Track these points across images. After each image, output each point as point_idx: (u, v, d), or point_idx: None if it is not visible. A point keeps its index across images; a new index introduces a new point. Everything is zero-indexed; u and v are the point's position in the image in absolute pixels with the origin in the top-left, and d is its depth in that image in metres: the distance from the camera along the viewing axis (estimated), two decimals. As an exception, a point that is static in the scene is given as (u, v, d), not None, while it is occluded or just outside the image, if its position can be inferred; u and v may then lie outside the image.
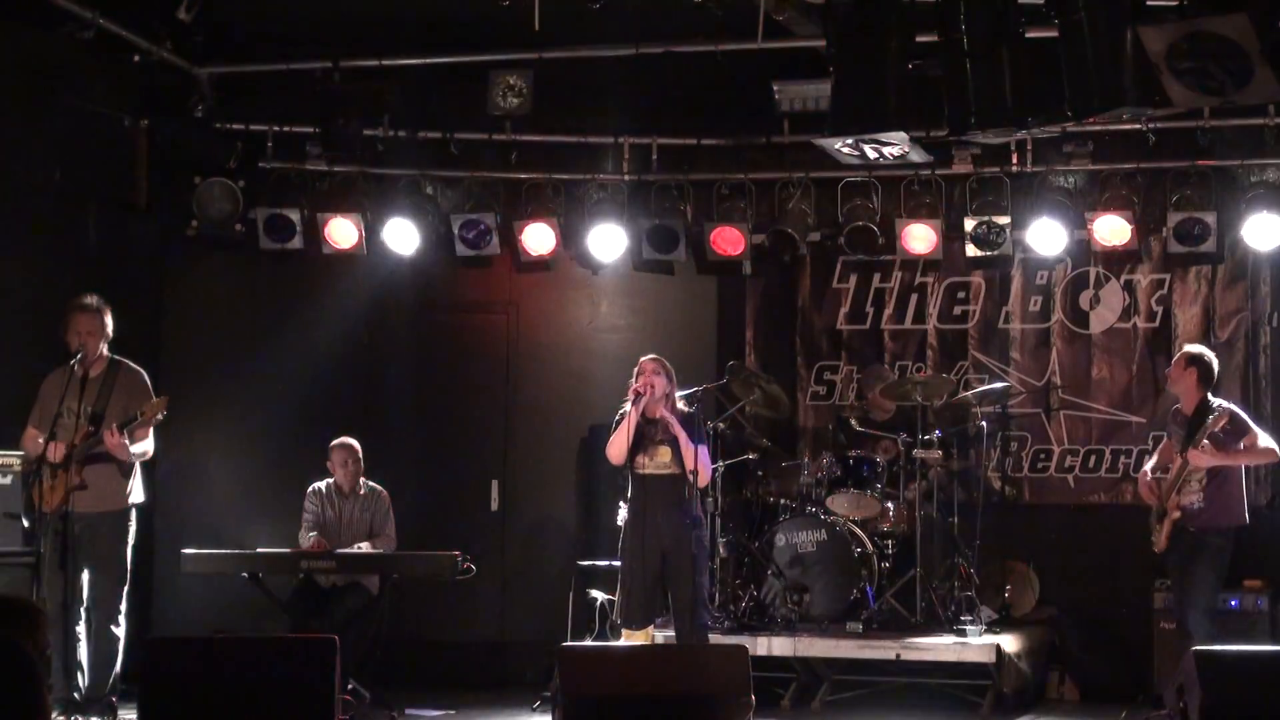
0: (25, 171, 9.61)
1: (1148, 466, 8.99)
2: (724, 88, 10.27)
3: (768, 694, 9.21)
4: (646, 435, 8.60)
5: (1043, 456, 10.67)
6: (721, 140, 10.74)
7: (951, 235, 10.51)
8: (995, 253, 10.41)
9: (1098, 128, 9.50)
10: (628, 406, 8.59)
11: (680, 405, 8.67)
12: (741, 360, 10.84)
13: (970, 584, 9.76)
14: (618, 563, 8.82)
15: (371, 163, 10.69)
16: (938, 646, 9.33)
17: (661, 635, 8.92)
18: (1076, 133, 9.69)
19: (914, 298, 10.91)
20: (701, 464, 8.64)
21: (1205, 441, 8.44)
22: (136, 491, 8.48)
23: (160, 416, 8.31)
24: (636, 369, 8.67)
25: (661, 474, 8.59)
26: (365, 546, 9.48)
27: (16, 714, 4.13)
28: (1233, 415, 8.57)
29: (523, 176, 10.77)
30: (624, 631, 8.61)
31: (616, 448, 8.60)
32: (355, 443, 9.78)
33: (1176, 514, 8.59)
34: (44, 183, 9.76)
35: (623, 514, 9.04)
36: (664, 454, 8.60)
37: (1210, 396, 8.76)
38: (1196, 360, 8.76)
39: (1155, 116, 9.33)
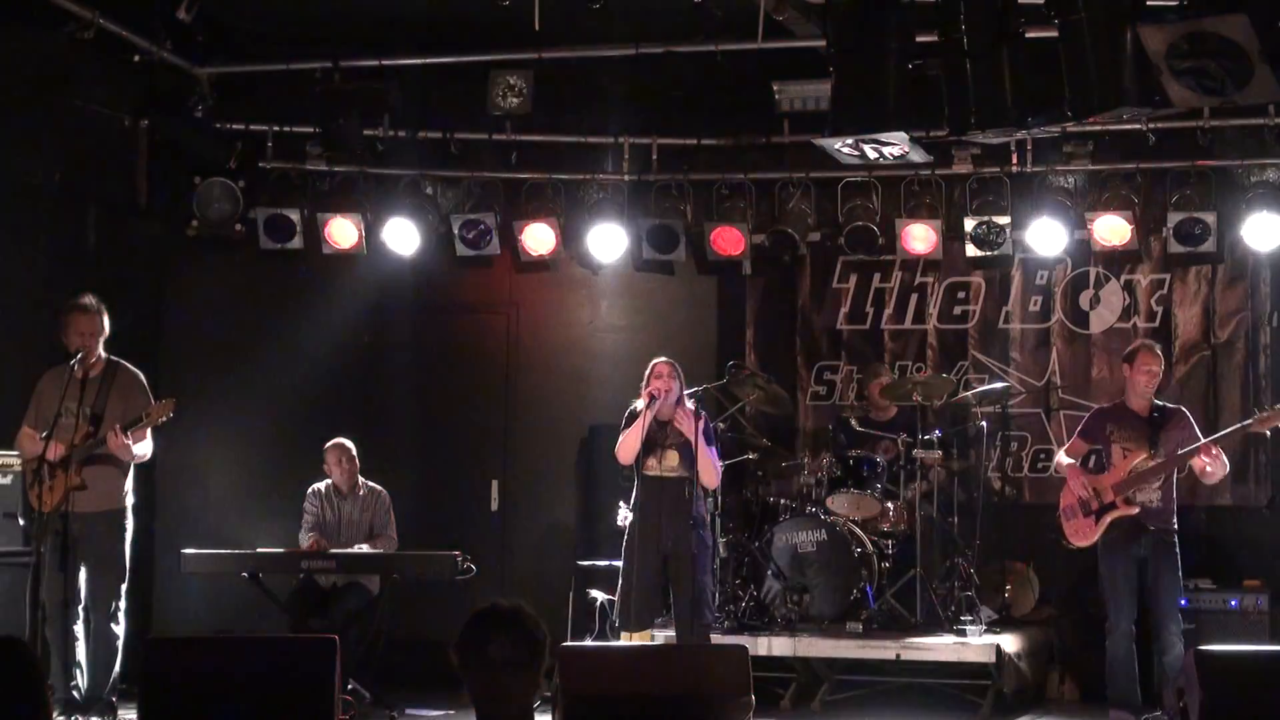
0: (25, 171, 9.61)
1: (1068, 460, 8.90)
2: (724, 88, 10.27)
3: (768, 694, 9.22)
4: (656, 438, 8.58)
5: (1043, 456, 10.67)
6: (721, 140, 10.74)
7: (951, 235, 10.52)
8: (995, 253, 10.42)
9: (1098, 128, 9.49)
10: (639, 405, 8.57)
11: (689, 404, 8.66)
12: (741, 360, 10.84)
13: (970, 584, 9.76)
14: (619, 563, 8.81)
15: (371, 163, 10.68)
16: (938, 646, 9.33)
17: (662, 635, 8.91)
18: (1076, 133, 9.69)
19: (914, 298, 10.91)
20: (714, 469, 8.67)
21: (1219, 439, 8.48)
22: (129, 493, 8.48)
23: (165, 419, 8.31)
24: (650, 370, 8.61)
25: (668, 476, 8.57)
26: (365, 548, 9.47)
27: (19, 713, 4.13)
28: None
29: (523, 176, 10.77)
30: (623, 634, 8.60)
31: (627, 449, 8.58)
32: (349, 443, 9.77)
33: (1133, 509, 8.54)
34: (44, 183, 9.77)
35: (622, 514, 9.03)
36: (672, 457, 8.58)
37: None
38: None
39: (1155, 116, 9.33)
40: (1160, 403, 8.79)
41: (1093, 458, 9.05)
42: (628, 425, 8.64)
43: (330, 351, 11.01)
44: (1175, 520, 8.64)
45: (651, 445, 8.57)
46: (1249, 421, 8.59)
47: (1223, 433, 8.68)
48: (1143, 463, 8.56)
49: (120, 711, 8.30)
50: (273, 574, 9.33)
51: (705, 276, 11.07)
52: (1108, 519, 8.60)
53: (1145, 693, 9.39)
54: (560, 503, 11.09)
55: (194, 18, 9.21)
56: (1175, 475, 8.66)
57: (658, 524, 8.49)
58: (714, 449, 8.76)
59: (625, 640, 8.51)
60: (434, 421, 11.14)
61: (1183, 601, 8.95)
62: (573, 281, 11.24)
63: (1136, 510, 8.54)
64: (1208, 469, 8.47)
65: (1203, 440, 8.49)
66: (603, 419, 10.65)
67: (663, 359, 8.67)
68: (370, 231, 10.67)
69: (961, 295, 10.86)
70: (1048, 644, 10.13)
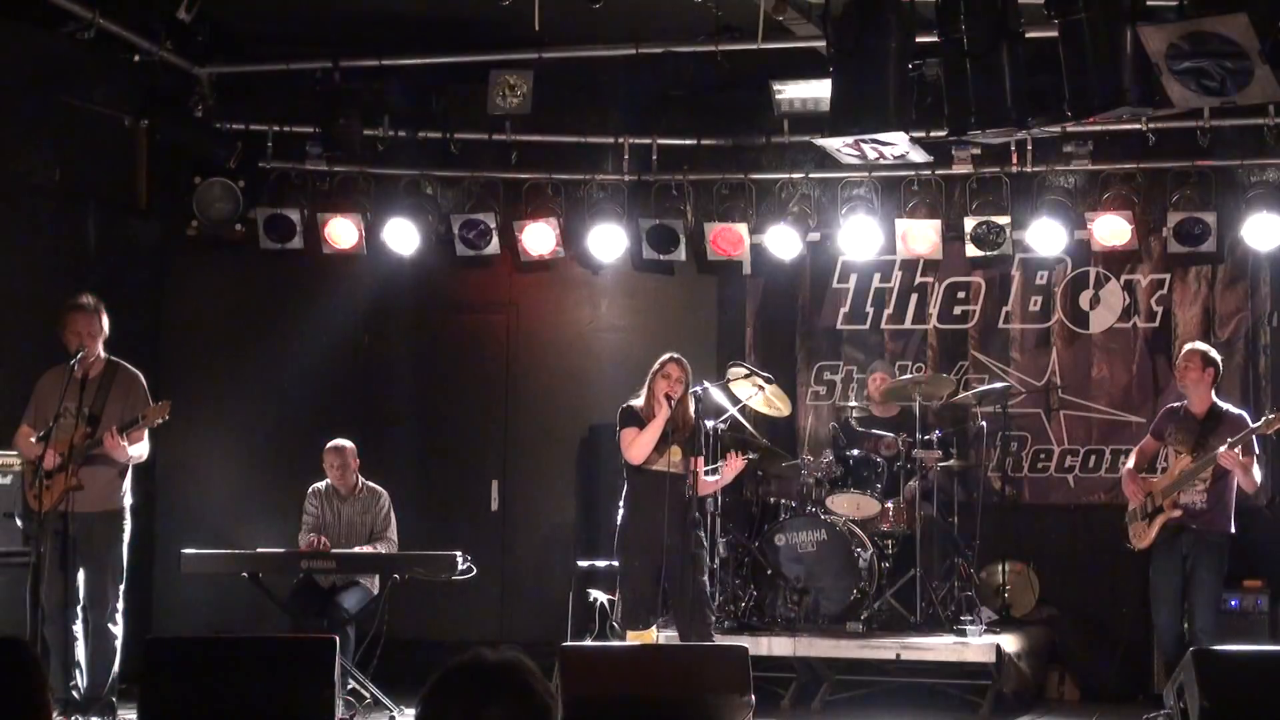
0: (25, 171, 9.61)
1: (1130, 464, 9.04)
2: (724, 88, 10.27)
3: (768, 694, 9.21)
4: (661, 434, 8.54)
5: (1043, 456, 10.67)
6: (721, 140, 10.74)
7: (951, 235, 10.52)
8: (995, 253, 10.42)
9: (1098, 128, 9.50)
10: (635, 403, 8.54)
11: (692, 407, 8.63)
12: (742, 360, 10.83)
13: (970, 584, 9.76)
14: (617, 562, 8.79)
15: (371, 163, 10.69)
16: (938, 646, 9.33)
17: (664, 635, 8.88)
18: (1076, 133, 9.69)
19: (914, 298, 10.91)
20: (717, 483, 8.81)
21: (1232, 445, 8.51)
22: (128, 493, 8.47)
23: (160, 421, 8.30)
24: (659, 369, 8.53)
25: (672, 473, 8.52)
26: (366, 549, 9.46)
27: (19, 712, 4.12)
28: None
29: (523, 176, 10.77)
30: (628, 633, 8.55)
31: (641, 449, 8.49)
32: (349, 444, 9.74)
33: (1176, 513, 8.63)
34: (44, 183, 9.76)
35: (623, 514, 9.01)
36: (675, 453, 8.53)
37: (1217, 400, 8.86)
38: (1214, 362, 8.87)
39: (1155, 116, 9.33)
40: (1223, 406, 8.87)
41: (1156, 457, 9.18)
42: (625, 424, 8.59)
43: (330, 351, 11.02)
44: (1227, 522, 8.69)
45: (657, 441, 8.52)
46: (1257, 425, 8.66)
47: (1236, 437, 8.68)
48: (1185, 465, 8.64)
49: (120, 711, 8.29)
50: (273, 574, 9.32)
51: (705, 276, 11.07)
52: (1158, 522, 8.73)
53: (1145, 692, 9.42)
54: (560, 503, 11.08)
55: (194, 18, 9.21)
56: (1232, 479, 8.68)
57: (657, 519, 8.40)
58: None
59: (631, 639, 8.47)
60: (434, 421, 11.14)
61: (1233, 603, 9.14)
62: (573, 281, 11.23)
63: (1180, 513, 8.64)
64: (1240, 476, 8.59)
65: (1228, 444, 8.55)
66: (603, 419, 10.64)
67: (673, 358, 8.60)
68: (370, 231, 10.67)
69: (961, 295, 10.86)
70: (1048, 644, 10.14)
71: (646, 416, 8.51)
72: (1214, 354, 8.95)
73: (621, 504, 8.71)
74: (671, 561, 8.45)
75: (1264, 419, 8.69)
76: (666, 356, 8.61)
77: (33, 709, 4.13)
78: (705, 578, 8.72)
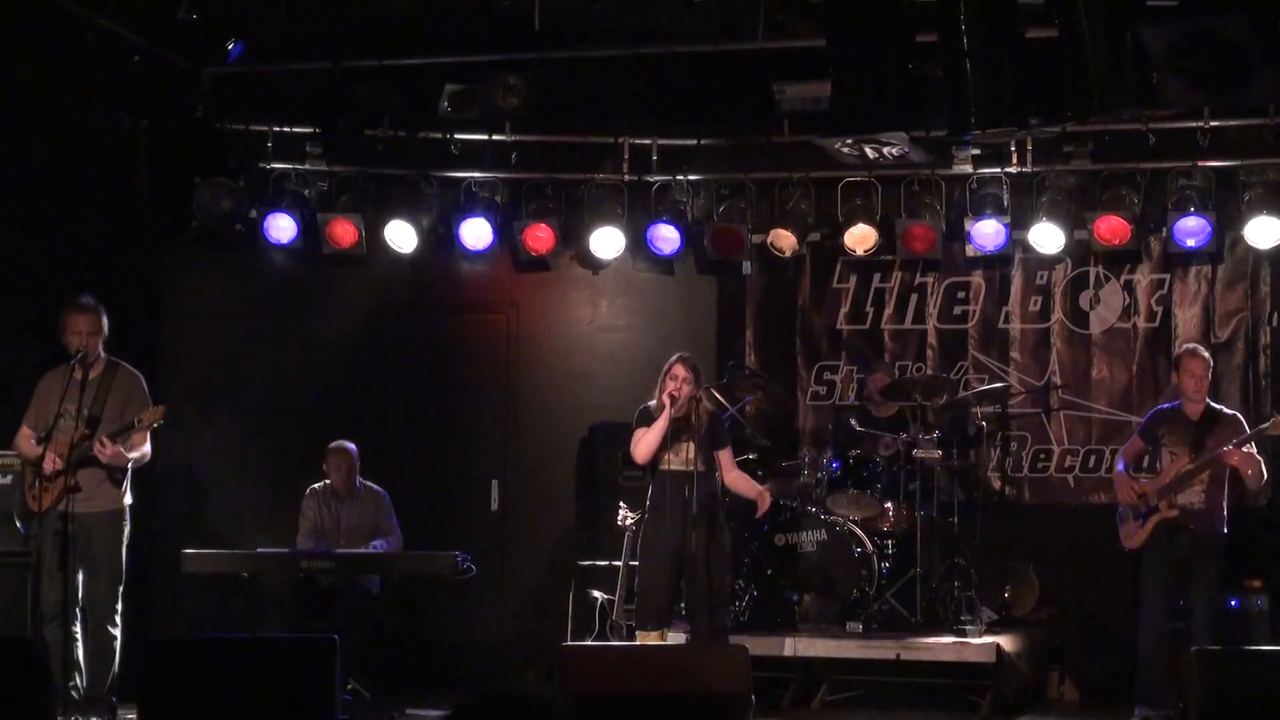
0: (25, 171, 9.60)
1: (1120, 465, 9.03)
2: (724, 88, 10.27)
3: (768, 694, 9.21)
4: (673, 432, 8.50)
5: (1043, 456, 10.67)
6: (721, 140, 10.74)
7: (951, 235, 10.53)
8: (995, 253, 10.44)
9: (1098, 128, 9.51)
10: (651, 404, 8.52)
11: (707, 404, 8.62)
12: (741, 360, 10.84)
13: (970, 584, 9.76)
14: (619, 563, 8.77)
15: (371, 163, 10.69)
16: (938, 646, 9.33)
17: (677, 636, 8.82)
18: (1076, 133, 9.69)
19: (914, 298, 10.91)
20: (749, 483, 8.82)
21: (1239, 444, 8.52)
22: (128, 493, 8.47)
23: (157, 425, 8.30)
24: (667, 370, 8.51)
25: (686, 471, 8.47)
26: (379, 544, 9.44)
27: (24, 712, 4.14)
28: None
29: (523, 176, 10.77)
30: (638, 634, 8.52)
31: (645, 448, 8.45)
32: (351, 445, 9.76)
33: (1173, 512, 8.63)
34: (44, 182, 9.75)
35: (622, 514, 8.98)
36: (689, 451, 8.48)
37: (1210, 400, 8.87)
38: (1210, 363, 8.86)
39: (1155, 116, 9.33)
40: (1217, 407, 8.90)
41: (1144, 459, 9.14)
42: (638, 424, 8.56)
43: (330, 351, 11.02)
44: (1223, 523, 8.71)
45: (668, 439, 8.50)
46: (1265, 425, 8.66)
47: (1244, 436, 8.68)
48: (1183, 466, 8.64)
49: (120, 711, 8.30)
50: (273, 574, 9.31)
51: (705, 276, 11.08)
52: (1152, 521, 8.72)
53: (1129, 690, 9.41)
54: (560, 503, 11.08)
55: (194, 18, 9.20)
56: (1226, 479, 8.70)
57: (674, 520, 8.37)
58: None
59: (641, 640, 8.43)
60: (434, 421, 11.14)
61: (1233, 603, 9.12)
62: (573, 281, 11.24)
63: (1176, 513, 8.64)
64: (1248, 472, 8.58)
65: (1233, 443, 8.57)
66: (603, 419, 10.66)
67: (681, 358, 8.56)
68: (370, 231, 10.67)
69: (961, 295, 10.86)
70: (1048, 644, 10.14)
71: (658, 416, 8.49)
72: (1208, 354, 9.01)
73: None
74: (686, 560, 8.42)
75: (1273, 420, 8.67)
76: (675, 356, 8.57)
77: (36, 708, 4.14)
78: (725, 578, 8.65)
